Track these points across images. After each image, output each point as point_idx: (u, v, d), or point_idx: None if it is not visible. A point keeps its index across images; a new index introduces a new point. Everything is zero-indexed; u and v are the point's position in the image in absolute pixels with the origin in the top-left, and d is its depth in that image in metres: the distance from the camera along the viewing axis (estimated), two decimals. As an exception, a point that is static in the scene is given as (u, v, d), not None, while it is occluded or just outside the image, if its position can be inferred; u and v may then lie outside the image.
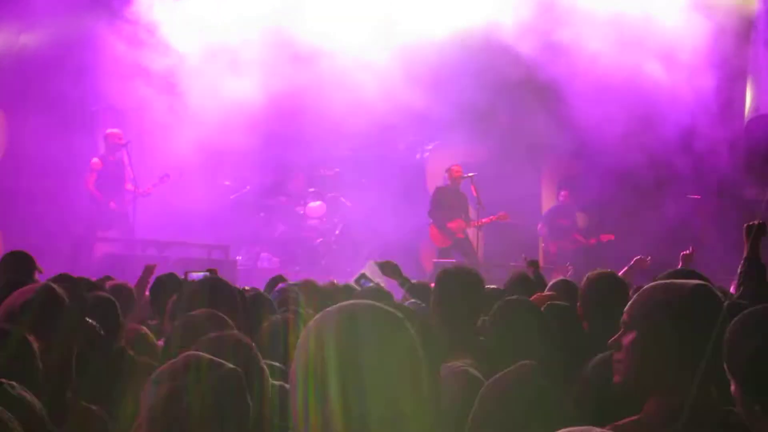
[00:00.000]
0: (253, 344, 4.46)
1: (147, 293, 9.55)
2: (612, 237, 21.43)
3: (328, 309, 2.82)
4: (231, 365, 3.55)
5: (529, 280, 8.82)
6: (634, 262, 11.85)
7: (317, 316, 2.81)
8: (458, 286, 6.30)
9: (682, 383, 3.51)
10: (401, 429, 2.65)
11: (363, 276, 8.95)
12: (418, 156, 23.68)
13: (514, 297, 6.00)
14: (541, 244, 21.97)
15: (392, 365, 2.68)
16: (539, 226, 22.24)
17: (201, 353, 3.61)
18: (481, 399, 4.60)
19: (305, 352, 2.73)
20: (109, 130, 19.12)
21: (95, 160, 18.89)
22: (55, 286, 5.01)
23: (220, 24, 20.73)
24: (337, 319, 2.75)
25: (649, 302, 3.69)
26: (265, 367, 4.45)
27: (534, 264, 10.87)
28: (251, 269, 20.20)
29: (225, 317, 5.18)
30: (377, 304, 2.79)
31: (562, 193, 22.46)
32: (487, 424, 4.43)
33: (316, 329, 2.76)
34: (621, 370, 3.75)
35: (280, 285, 9.06)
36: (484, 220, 19.89)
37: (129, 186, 19.14)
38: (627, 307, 3.78)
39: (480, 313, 6.28)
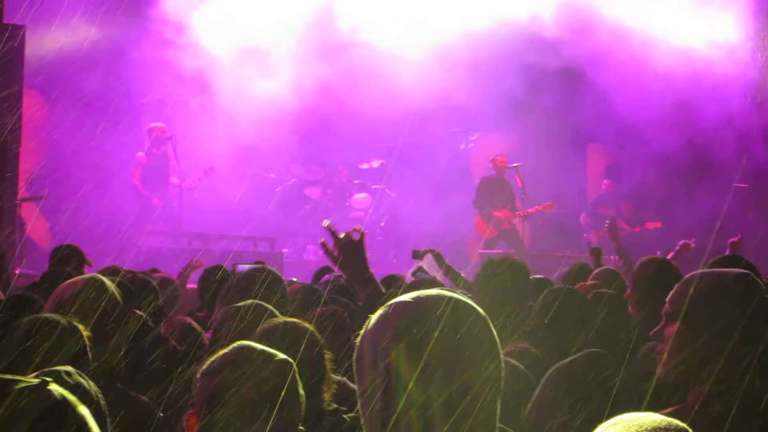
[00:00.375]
0: (315, 332, 4.47)
1: (190, 285, 9.60)
2: (659, 224, 21.25)
3: (399, 300, 2.79)
4: (283, 355, 3.55)
5: (589, 271, 8.70)
6: (680, 246, 11.80)
7: (387, 306, 2.77)
8: (504, 277, 6.28)
9: (724, 375, 3.49)
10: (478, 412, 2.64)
11: (420, 269, 8.91)
12: (462, 146, 23.63)
13: (559, 286, 5.97)
14: (584, 235, 21.83)
15: (473, 351, 2.67)
16: (581, 216, 22.10)
17: (252, 343, 3.61)
18: (547, 384, 4.57)
19: (378, 342, 2.71)
20: (152, 124, 19.21)
21: (140, 154, 18.98)
22: (103, 277, 5.04)
23: (261, 20, 20.78)
24: (413, 309, 2.72)
25: (691, 293, 3.66)
26: (326, 354, 4.47)
27: (597, 252, 10.81)
28: (297, 261, 20.25)
29: (271, 308, 5.19)
30: (452, 293, 2.77)
31: (605, 182, 22.33)
32: (555, 409, 4.40)
33: (389, 319, 2.73)
34: (664, 361, 3.74)
35: (327, 276, 9.07)
36: (529, 210, 19.82)
37: (174, 180, 19.22)
38: (669, 297, 3.76)
39: (526, 303, 6.26)
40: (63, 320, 4.20)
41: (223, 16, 20.65)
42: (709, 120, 20.19)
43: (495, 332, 2.72)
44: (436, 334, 2.63)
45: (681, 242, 12.31)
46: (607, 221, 11.54)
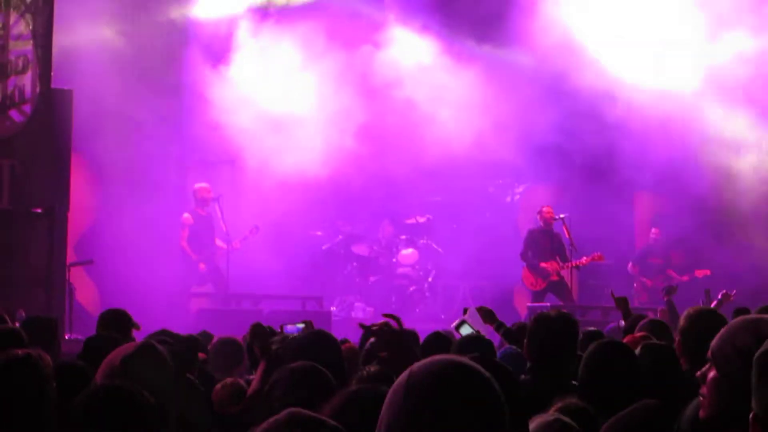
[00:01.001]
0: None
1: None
2: (708, 272, 21.07)
3: (422, 363, 2.83)
4: (333, 423, 3.52)
5: (661, 325, 8.49)
6: (721, 296, 11.72)
7: (414, 368, 2.82)
8: (553, 331, 6.25)
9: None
10: None
11: (463, 323, 8.87)
12: (508, 199, 23.59)
13: (607, 339, 5.94)
14: (634, 284, 21.69)
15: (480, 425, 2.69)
16: (629, 265, 21.95)
17: (303, 410, 3.59)
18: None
19: (397, 403, 2.76)
20: (197, 185, 19.32)
21: (186, 215, 19.11)
22: (154, 342, 5.07)
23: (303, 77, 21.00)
24: (430, 376, 2.76)
25: (727, 340, 3.65)
26: None
27: (623, 301, 10.67)
28: (345, 319, 20.23)
29: (325, 370, 5.17)
30: (471, 363, 2.79)
31: (653, 230, 22.19)
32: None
33: (410, 383, 2.77)
34: (704, 404, 3.72)
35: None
36: (579, 262, 19.72)
37: (218, 242, 19.33)
38: (712, 343, 3.74)
39: (576, 356, 6.22)
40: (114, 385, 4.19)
41: (265, 78, 20.85)
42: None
43: (501, 396, 2.76)
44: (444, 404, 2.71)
45: (722, 292, 12.24)
46: (612, 293, 11.38)
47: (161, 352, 4.96)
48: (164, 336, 7.65)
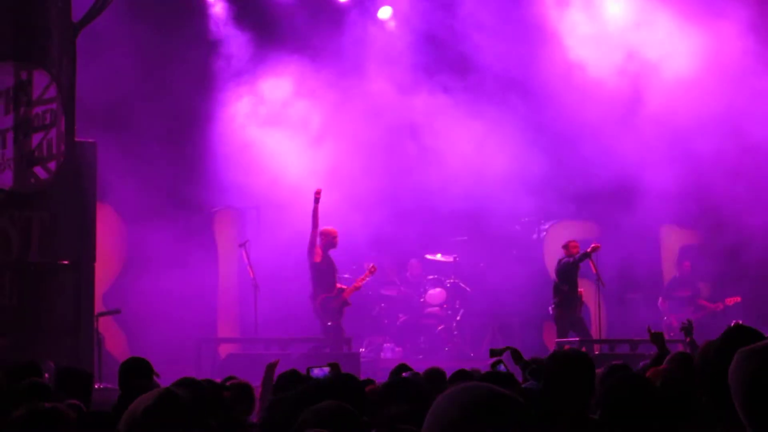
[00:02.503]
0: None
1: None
2: (738, 299, 21.04)
3: (458, 387, 2.85)
4: None
5: (690, 359, 8.43)
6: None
7: (449, 391, 2.84)
8: (567, 369, 6.27)
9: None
10: None
11: (499, 362, 8.89)
12: (534, 236, 23.58)
13: (626, 374, 5.95)
14: (664, 318, 21.64)
15: None
16: (659, 300, 21.91)
17: None
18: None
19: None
20: (326, 228, 18.95)
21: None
22: (176, 390, 5.09)
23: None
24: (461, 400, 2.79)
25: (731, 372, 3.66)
26: None
27: (658, 336, 10.68)
28: (374, 360, 20.24)
29: (351, 408, 5.17)
30: (499, 389, 2.82)
31: (685, 263, 22.14)
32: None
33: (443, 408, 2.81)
34: None
35: (405, 373, 9.05)
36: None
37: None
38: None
39: (592, 392, 6.23)
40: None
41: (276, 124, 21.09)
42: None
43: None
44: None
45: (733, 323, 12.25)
46: (649, 329, 11.38)
47: (182, 400, 4.98)
48: (186, 384, 7.69)
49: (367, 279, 19.63)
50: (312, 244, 18.26)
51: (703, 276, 22.14)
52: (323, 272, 18.48)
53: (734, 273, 21.27)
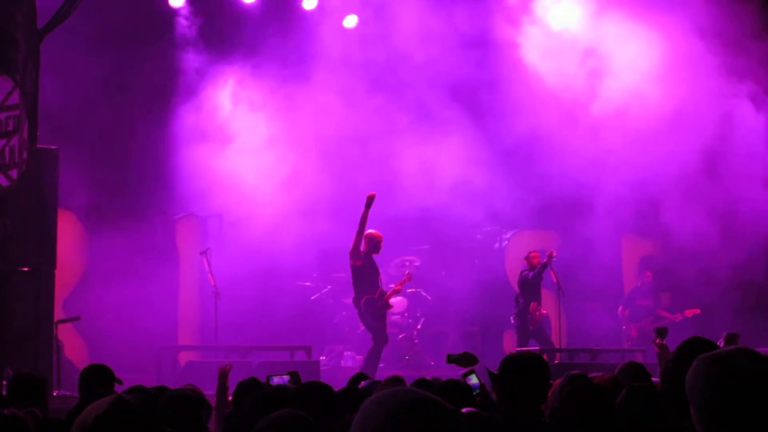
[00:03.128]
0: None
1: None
2: (698, 311, 21.19)
3: (384, 392, 2.86)
4: None
5: (642, 370, 8.44)
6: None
7: (376, 396, 2.86)
8: (521, 373, 6.30)
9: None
10: None
11: (472, 372, 8.88)
12: (496, 245, 23.66)
13: (581, 382, 5.99)
14: (623, 327, 21.76)
15: None
16: (620, 309, 22.02)
17: None
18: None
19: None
20: (371, 231, 18.60)
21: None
22: (127, 397, 5.07)
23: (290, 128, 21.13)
24: (389, 405, 2.80)
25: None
26: None
27: (662, 331, 10.75)
28: (335, 368, 20.24)
29: (309, 418, 5.17)
30: (428, 395, 2.83)
31: (647, 273, 22.25)
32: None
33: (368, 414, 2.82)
34: None
35: (363, 383, 9.06)
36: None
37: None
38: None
39: (545, 398, 6.27)
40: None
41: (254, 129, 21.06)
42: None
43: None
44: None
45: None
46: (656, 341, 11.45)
47: (133, 407, 4.97)
48: (137, 391, 7.67)
49: (406, 283, 19.50)
50: (355, 247, 17.95)
51: (664, 286, 22.26)
52: (365, 275, 18.15)
53: (695, 284, 21.38)
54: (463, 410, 5.97)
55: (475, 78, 20.93)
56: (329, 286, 22.32)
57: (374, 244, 18.22)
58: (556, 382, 7.16)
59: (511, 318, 20.18)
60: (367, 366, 16.98)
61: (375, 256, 18.39)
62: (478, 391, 8.31)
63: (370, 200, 17.61)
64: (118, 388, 8.36)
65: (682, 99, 20.19)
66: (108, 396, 5.47)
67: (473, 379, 8.67)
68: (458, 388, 7.52)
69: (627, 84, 20.57)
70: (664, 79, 20.42)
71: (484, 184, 20.71)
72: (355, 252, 17.99)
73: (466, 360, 9.62)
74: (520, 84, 20.69)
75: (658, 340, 10.84)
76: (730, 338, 11.63)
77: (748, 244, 20.73)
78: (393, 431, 2.72)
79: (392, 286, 18.78)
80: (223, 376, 10.28)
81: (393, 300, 21.90)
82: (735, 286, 20.98)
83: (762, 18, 20.54)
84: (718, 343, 11.69)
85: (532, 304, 19.92)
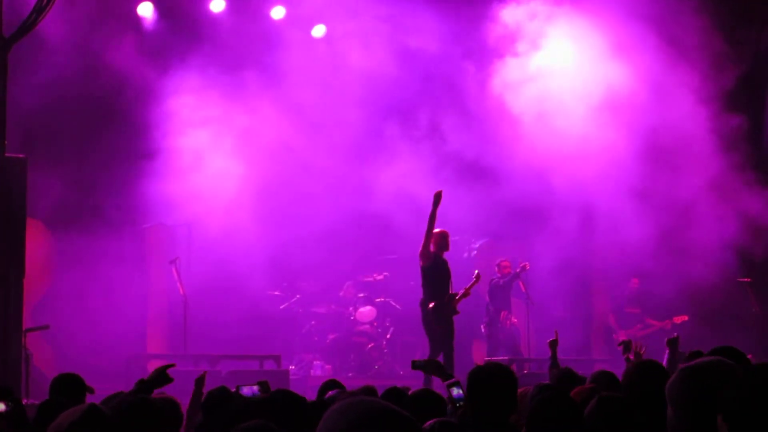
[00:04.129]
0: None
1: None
2: (686, 318, 21.17)
3: (345, 402, 2.91)
4: None
5: (614, 379, 8.44)
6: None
7: (337, 405, 2.91)
8: (489, 384, 6.33)
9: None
10: None
11: (457, 384, 8.85)
12: (465, 255, 23.68)
13: (551, 392, 6.02)
14: (613, 335, 21.70)
15: None
16: (611, 317, 21.98)
17: None
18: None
19: None
20: (438, 230, 17.89)
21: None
22: (100, 406, 5.09)
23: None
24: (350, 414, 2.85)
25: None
26: None
27: (626, 344, 10.74)
28: (304, 378, 20.22)
29: (277, 429, 5.19)
30: (386, 405, 2.86)
31: (633, 280, 22.18)
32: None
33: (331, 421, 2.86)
34: None
35: (330, 393, 9.04)
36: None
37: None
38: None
39: (514, 408, 6.31)
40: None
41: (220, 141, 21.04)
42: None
43: None
44: None
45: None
46: (620, 345, 11.46)
47: (107, 416, 4.98)
48: (111, 399, 7.65)
49: (475, 286, 18.87)
50: (425, 247, 17.28)
51: (650, 294, 22.18)
52: (435, 277, 17.49)
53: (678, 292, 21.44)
54: (429, 422, 5.98)
55: (437, 91, 21.14)
56: (298, 296, 22.33)
57: (443, 241, 17.54)
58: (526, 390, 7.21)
59: (482, 327, 20.24)
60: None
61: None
62: (461, 402, 8.29)
63: (438, 198, 16.84)
64: (93, 398, 8.35)
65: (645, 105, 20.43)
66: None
67: (458, 391, 8.66)
68: (430, 398, 7.52)
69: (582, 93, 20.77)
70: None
71: (450, 193, 20.74)
72: (424, 252, 17.31)
73: (431, 367, 9.60)
74: (475, 100, 20.88)
75: (626, 355, 10.85)
76: (671, 342, 11.62)
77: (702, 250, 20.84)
78: None
79: (460, 291, 18.26)
80: (198, 383, 10.21)
81: (362, 310, 22.00)
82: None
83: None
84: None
85: (503, 313, 20.01)
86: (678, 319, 21.27)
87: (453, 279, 18.34)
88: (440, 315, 17.23)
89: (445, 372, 9.01)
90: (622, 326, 21.69)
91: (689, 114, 20.51)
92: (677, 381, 3.83)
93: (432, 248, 17.16)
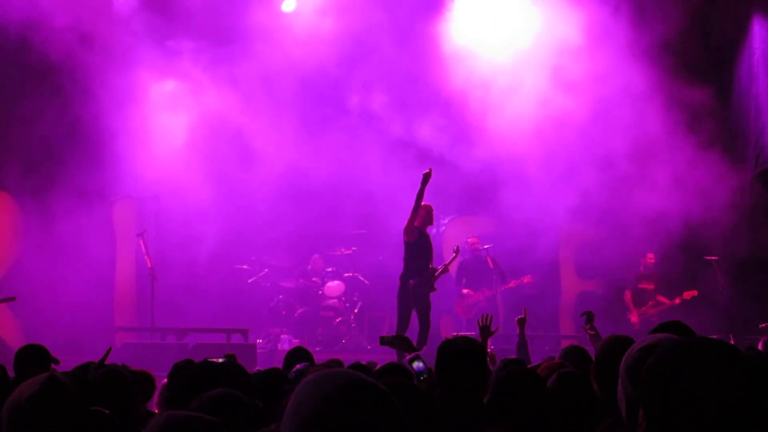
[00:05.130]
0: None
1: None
2: (695, 293, 20.73)
3: (320, 374, 2.88)
4: (210, 417, 3.60)
5: (584, 354, 8.48)
6: None
7: (312, 377, 2.87)
8: (457, 357, 6.34)
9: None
10: None
11: (417, 357, 8.87)
12: (434, 230, 23.69)
13: (515, 367, 6.03)
14: (627, 315, 21.31)
15: None
16: (626, 294, 21.61)
17: (176, 411, 3.69)
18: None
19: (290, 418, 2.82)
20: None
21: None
22: (59, 375, 4.98)
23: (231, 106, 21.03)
24: (326, 386, 2.82)
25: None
26: None
27: (589, 315, 10.71)
28: (271, 351, 20.21)
29: (243, 397, 5.16)
30: (363, 377, 2.85)
31: (648, 255, 21.72)
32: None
33: (304, 392, 2.84)
34: None
35: (298, 366, 9.02)
36: (507, 285, 20.08)
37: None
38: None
39: (483, 382, 6.32)
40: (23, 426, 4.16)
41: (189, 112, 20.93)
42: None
43: (400, 418, 2.80)
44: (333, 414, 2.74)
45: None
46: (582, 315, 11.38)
47: (66, 386, 4.90)
48: (84, 369, 7.60)
49: (455, 260, 18.87)
50: (410, 223, 17.20)
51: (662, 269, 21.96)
52: (417, 253, 17.38)
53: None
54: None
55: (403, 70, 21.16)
56: (266, 270, 22.31)
57: (427, 216, 17.53)
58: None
59: (450, 303, 20.29)
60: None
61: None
62: (424, 375, 8.33)
63: (427, 177, 16.85)
64: (60, 369, 8.30)
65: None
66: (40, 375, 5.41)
67: (419, 364, 8.68)
68: (396, 371, 7.52)
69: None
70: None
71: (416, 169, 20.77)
72: (409, 228, 17.28)
73: (399, 342, 9.62)
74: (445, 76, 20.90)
75: (587, 326, 10.85)
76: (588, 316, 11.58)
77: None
78: (328, 413, 2.73)
79: (439, 267, 18.26)
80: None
81: (330, 284, 22.02)
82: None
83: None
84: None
85: (469, 290, 20.04)
86: (688, 295, 20.75)
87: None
88: (420, 292, 17.21)
89: (412, 347, 9.02)
90: (636, 305, 21.16)
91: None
92: (632, 359, 3.88)
93: (417, 223, 17.13)
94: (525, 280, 20.15)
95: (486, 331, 9.56)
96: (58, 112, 19.36)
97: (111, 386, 6.60)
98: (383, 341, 9.87)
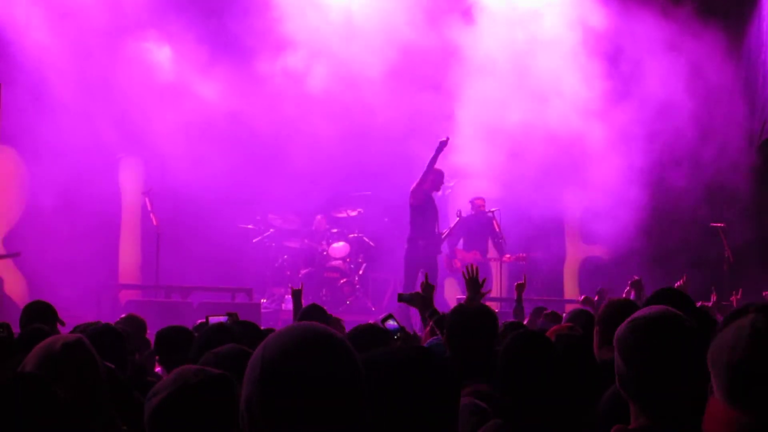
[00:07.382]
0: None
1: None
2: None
3: (283, 329, 2.98)
4: (218, 371, 3.66)
5: (591, 318, 8.46)
6: (630, 285, 11.91)
7: (278, 331, 2.99)
8: (471, 323, 6.35)
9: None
10: None
11: (390, 317, 8.92)
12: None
13: (524, 330, 6.04)
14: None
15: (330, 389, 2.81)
16: None
17: (189, 365, 3.75)
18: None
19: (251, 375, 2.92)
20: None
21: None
22: (83, 337, 5.07)
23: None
24: (286, 338, 2.90)
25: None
26: None
27: (637, 285, 10.74)
28: (276, 311, 20.27)
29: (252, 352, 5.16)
30: (327, 329, 2.93)
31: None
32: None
33: (267, 345, 2.92)
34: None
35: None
36: (504, 259, 20.05)
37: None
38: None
39: (494, 347, 6.32)
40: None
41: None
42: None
43: (359, 371, 2.89)
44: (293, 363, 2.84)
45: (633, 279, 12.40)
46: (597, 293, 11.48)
47: (89, 349, 4.99)
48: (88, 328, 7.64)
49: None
50: (418, 186, 17.71)
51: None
52: (423, 216, 17.89)
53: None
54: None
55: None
56: (272, 230, 22.30)
57: (437, 180, 17.98)
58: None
59: (455, 263, 20.27)
60: None
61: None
62: (399, 334, 8.39)
63: (443, 145, 17.32)
64: (65, 327, 8.33)
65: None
66: (50, 333, 5.48)
67: (391, 323, 8.72)
68: (374, 331, 7.49)
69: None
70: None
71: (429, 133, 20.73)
72: (417, 191, 17.69)
73: (418, 299, 9.61)
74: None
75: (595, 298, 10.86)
76: (635, 284, 11.65)
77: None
78: (284, 364, 2.82)
79: (445, 231, 18.40)
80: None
81: (335, 245, 22.03)
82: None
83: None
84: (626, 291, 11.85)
85: (474, 252, 20.01)
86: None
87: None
88: (429, 253, 17.52)
89: (430, 305, 8.97)
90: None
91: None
92: (626, 332, 3.95)
93: (426, 186, 17.46)
94: (521, 256, 20.13)
95: (474, 283, 9.33)
96: (68, 69, 19.34)
97: (104, 341, 6.67)
98: (401, 298, 9.91)
